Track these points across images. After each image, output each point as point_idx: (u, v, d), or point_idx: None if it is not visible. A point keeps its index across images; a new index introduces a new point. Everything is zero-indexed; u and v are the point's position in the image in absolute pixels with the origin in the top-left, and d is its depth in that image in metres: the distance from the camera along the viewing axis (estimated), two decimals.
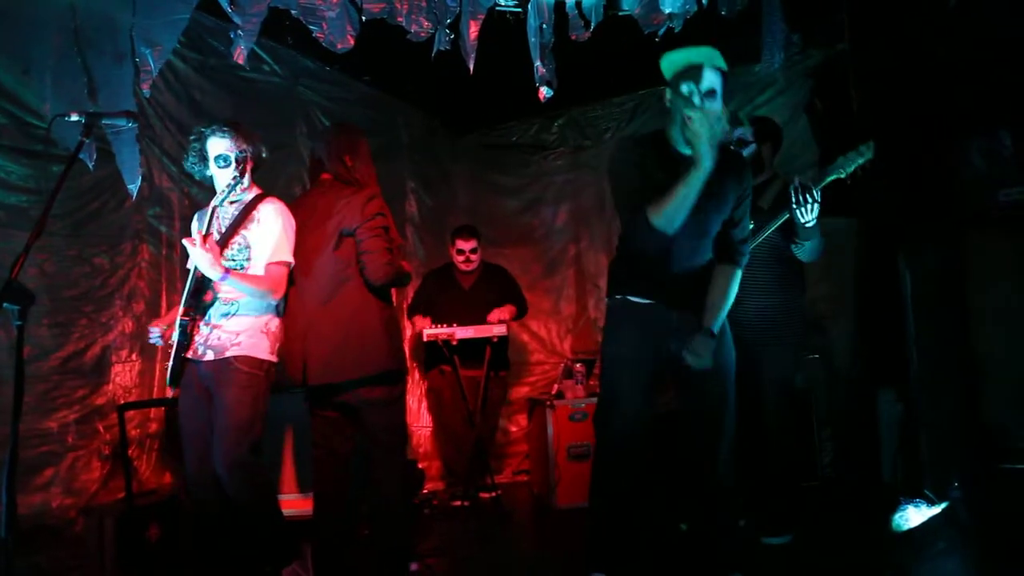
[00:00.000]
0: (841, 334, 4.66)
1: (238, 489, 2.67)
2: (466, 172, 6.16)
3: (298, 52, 4.62)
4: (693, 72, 2.47)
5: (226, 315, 2.75)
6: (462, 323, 4.44)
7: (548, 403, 4.52)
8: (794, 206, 2.93)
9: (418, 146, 5.76)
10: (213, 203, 2.75)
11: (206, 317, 2.75)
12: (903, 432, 3.91)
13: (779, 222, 3.11)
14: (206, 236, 2.57)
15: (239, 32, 3.03)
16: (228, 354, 2.71)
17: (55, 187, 2.01)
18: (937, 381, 3.71)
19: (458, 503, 4.49)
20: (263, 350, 2.78)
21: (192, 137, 2.82)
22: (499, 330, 4.45)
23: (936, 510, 2.83)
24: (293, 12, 3.11)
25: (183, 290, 2.78)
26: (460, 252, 4.86)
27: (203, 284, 2.73)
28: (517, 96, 5.12)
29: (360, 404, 2.98)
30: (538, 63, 2.94)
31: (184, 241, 2.56)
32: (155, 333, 2.79)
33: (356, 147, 3.05)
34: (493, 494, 4.63)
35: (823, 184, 2.97)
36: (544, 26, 2.94)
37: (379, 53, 4.15)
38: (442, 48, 3.13)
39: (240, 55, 3.05)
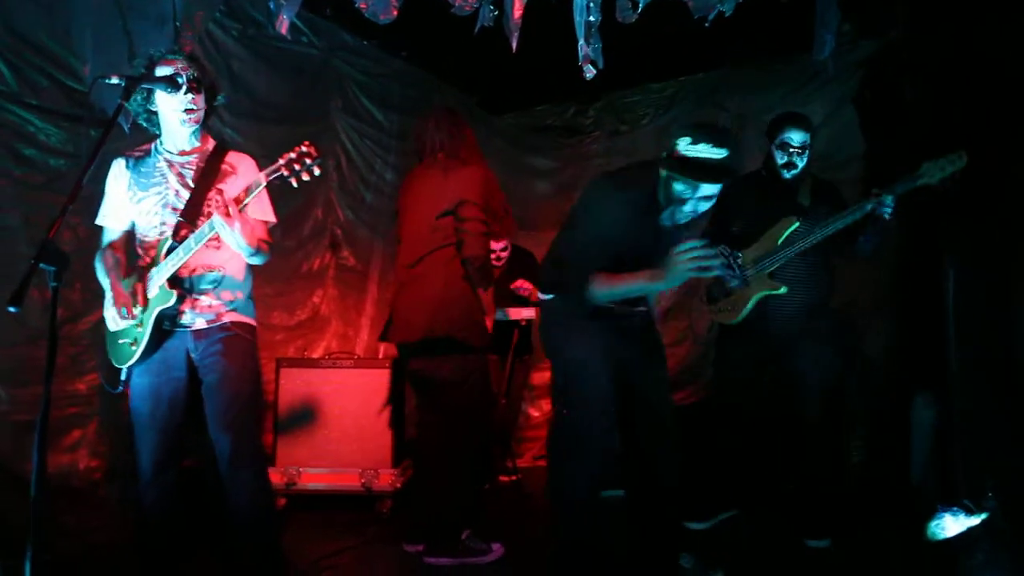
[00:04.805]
0: (875, 334, 4.56)
1: (253, 488, 2.43)
2: (500, 153, 6.09)
3: (336, 25, 4.57)
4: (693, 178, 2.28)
5: (214, 283, 2.46)
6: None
7: None
8: (887, 214, 2.94)
9: None
10: (162, 153, 2.48)
11: (188, 285, 2.42)
12: (936, 436, 3.82)
13: (848, 221, 3.05)
14: (239, 207, 2.27)
15: (282, 1, 2.99)
16: (226, 319, 2.46)
17: (93, 151, 1.97)
18: (977, 387, 3.61)
19: None
20: (253, 317, 2.59)
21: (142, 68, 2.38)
22: (527, 314, 4.42)
23: (975, 520, 2.75)
24: None
25: (155, 261, 2.39)
26: None
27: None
28: (554, 78, 5.06)
29: (431, 378, 3.15)
30: (583, 42, 2.87)
31: (218, 215, 2.23)
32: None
33: (462, 129, 3.23)
34: (513, 478, 4.62)
35: (908, 190, 2.94)
36: (591, 4, 2.86)
37: (418, 29, 4.10)
38: (486, 24, 3.06)
39: (282, 24, 3.00)
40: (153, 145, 2.53)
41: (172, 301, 2.33)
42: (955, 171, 2.86)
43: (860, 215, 3.00)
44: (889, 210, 2.93)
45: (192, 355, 2.44)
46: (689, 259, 2.14)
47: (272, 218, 2.58)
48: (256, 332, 2.58)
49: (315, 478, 3.87)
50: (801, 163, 3.22)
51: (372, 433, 3.91)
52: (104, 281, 2.46)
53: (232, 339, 2.44)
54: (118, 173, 2.51)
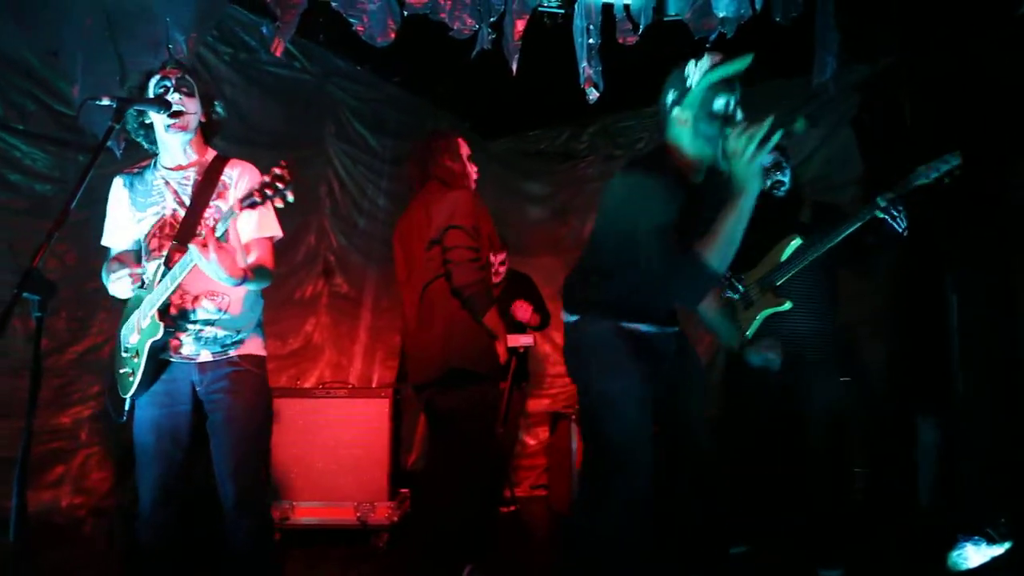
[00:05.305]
0: (876, 356, 4.50)
1: (255, 536, 2.28)
2: (493, 178, 6.04)
3: (330, 50, 4.54)
4: (730, 83, 2.15)
5: (218, 312, 2.29)
6: None
7: (573, 416, 4.39)
8: (891, 220, 2.87)
9: None
10: (157, 169, 2.34)
11: (192, 315, 2.26)
12: (941, 460, 3.75)
13: (850, 230, 2.97)
14: (216, 235, 2.08)
15: (277, 24, 2.94)
16: (233, 353, 2.30)
17: (81, 176, 1.89)
18: (982, 410, 3.56)
19: None
20: (263, 347, 2.41)
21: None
22: (525, 340, 4.34)
23: (998, 549, 2.67)
24: (334, 4, 3.00)
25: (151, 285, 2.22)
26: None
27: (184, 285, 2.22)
28: (548, 102, 5.03)
29: (441, 410, 2.99)
30: (584, 64, 2.83)
31: (193, 246, 2.03)
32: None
33: (455, 152, 3.13)
34: (511, 508, 4.52)
35: (907, 191, 2.88)
36: (591, 27, 2.83)
37: (411, 54, 4.07)
38: (484, 47, 3.02)
39: (277, 47, 2.95)
40: (151, 161, 2.39)
41: (160, 333, 2.17)
42: (951, 168, 2.82)
43: (861, 222, 2.94)
44: (900, 216, 2.87)
45: (197, 388, 2.29)
46: (746, 144, 1.98)
47: (277, 232, 2.40)
48: (265, 364, 2.40)
49: (309, 512, 3.75)
50: (786, 178, 3.18)
51: (367, 465, 3.80)
52: (116, 273, 2.26)
53: (239, 375, 2.28)
54: (118, 191, 2.38)
